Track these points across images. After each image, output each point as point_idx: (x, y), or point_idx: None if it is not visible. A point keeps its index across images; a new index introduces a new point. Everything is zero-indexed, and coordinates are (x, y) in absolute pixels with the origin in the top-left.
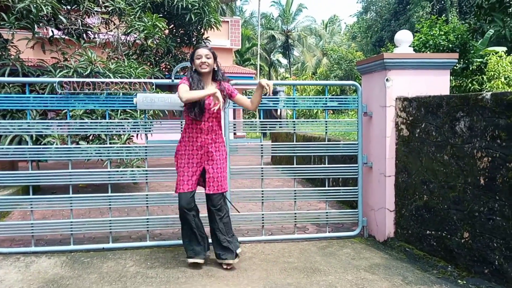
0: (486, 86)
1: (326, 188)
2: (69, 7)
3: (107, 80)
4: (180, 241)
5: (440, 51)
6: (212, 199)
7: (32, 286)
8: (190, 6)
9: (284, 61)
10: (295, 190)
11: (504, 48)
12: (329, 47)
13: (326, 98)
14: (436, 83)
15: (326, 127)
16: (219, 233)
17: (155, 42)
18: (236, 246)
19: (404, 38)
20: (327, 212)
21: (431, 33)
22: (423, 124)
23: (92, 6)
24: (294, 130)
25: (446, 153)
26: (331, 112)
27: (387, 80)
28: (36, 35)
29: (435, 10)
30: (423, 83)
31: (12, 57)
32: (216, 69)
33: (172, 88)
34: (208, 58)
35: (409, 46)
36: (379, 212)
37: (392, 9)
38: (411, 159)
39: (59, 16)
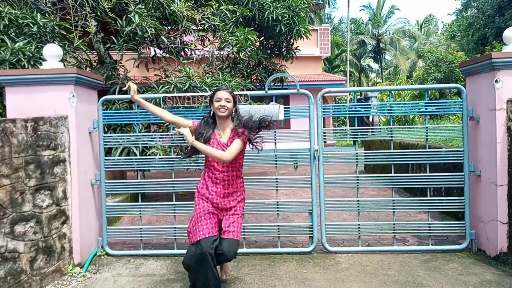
0: None
1: (428, 198)
2: (169, 28)
3: (204, 94)
4: (276, 249)
5: None
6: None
7: (142, 286)
8: (280, 17)
9: (375, 66)
10: (393, 200)
11: None
12: (425, 49)
13: (424, 102)
14: None
15: (426, 133)
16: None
17: (247, 55)
18: None
19: None
20: (429, 224)
21: None
22: None
23: (190, 25)
24: (391, 137)
25: None
26: (429, 117)
27: (496, 81)
28: (141, 55)
29: None
30: None
31: (121, 76)
32: (233, 114)
33: (263, 99)
34: (228, 102)
35: None
36: (490, 225)
37: (496, 4)
38: None
39: (161, 36)
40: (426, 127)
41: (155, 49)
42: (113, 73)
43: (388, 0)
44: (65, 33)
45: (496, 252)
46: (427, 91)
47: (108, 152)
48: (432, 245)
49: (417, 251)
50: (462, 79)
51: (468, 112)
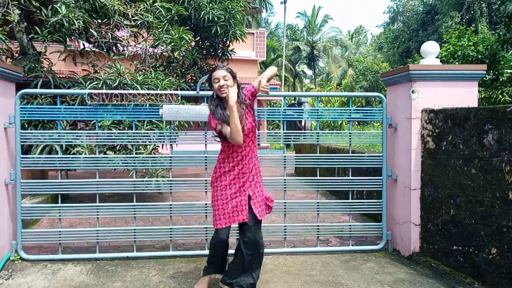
0: None
1: (350, 200)
2: (100, 21)
3: (134, 91)
4: (204, 251)
5: (469, 62)
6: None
7: None
8: (216, 18)
9: (309, 72)
10: (318, 202)
11: None
12: (354, 58)
13: (350, 109)
14: (464, 95)
15: (350, 139)
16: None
17: (181, 54)
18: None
19: (430, 49)
20: (350, 225)
21: (460, 43)
22: (450, 137)
23: (122, 20)
24: (318, 141)
25: (474, 166)
26: (356, 123)
27: (412, 91)
28: (68, 48)
29: (464, 20)
30: (450, 95)
31: (45, 69)
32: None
33: (197, 100)
34: (226, 80)
35: (436, 57)
36: (404, 226)
37: (420, 19)
38: (437, 172)
39: (90, 29)
40: (350, 133)
41: (84, 42)
42: (36, 65)
43: (323, 9)
44: None
45: (409, 252)
46: (352, 98)
47: (29, 149)
48: (352, 245)
49: (339, 252)
50: (385, 89)
51: (387, 120)
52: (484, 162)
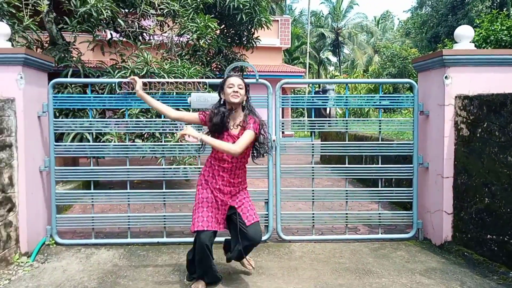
0: None
1: (379, 188)
2: (126, 11)
3: (162, 80)
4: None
5: (502, 47)
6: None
7: (92, 276)
8: (241, 6)
9: (334, 59)
10: (346, 190)
11: None
12: (381, 44)
13: (378, 96)
14: (500, 81)
15: (379, 126)
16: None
17: (207, 43)
18: None
19: (465, 34)
20: (379, 213)
21: (492, 28)
22: (485, 124)
23: (148, 9)
24: (347, 129)
25: (511, 154)
26: (383, 110)
27: (446, 77)
28: (96, 38)
29: (495, 4)
30: (485, 81)
31: (74, 59)
32: (244, 103)
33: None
34: (240, 88)
35: (470, 42)
36: (436, 215)
37: (449, 3)
38: (471, 160)
39: (118, 19)
40: (380, 120)
41: (112, 32)
42: (66, 55)
43: None
44: (14, 12)
45: (441, 241)
46: (381, 85)
47: (60, 137)
48: (381, 233)
49: (368, 240)
50: (414, 75)
51: (418, 107)
52: None
